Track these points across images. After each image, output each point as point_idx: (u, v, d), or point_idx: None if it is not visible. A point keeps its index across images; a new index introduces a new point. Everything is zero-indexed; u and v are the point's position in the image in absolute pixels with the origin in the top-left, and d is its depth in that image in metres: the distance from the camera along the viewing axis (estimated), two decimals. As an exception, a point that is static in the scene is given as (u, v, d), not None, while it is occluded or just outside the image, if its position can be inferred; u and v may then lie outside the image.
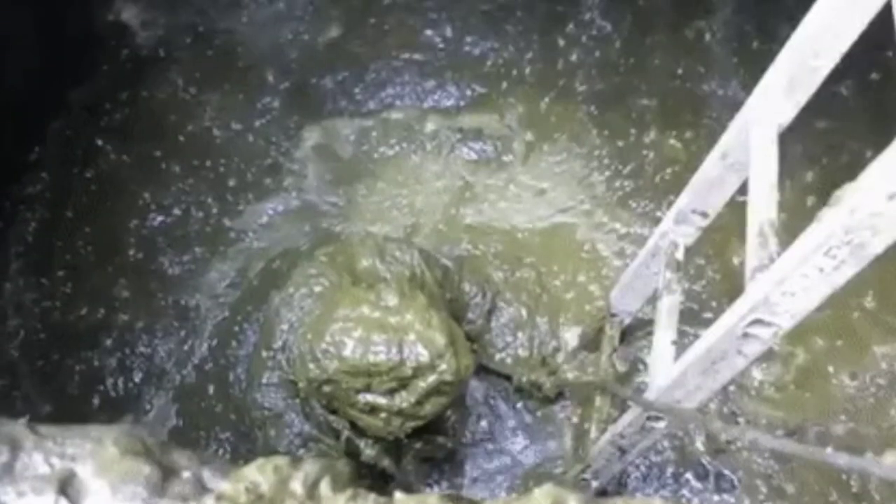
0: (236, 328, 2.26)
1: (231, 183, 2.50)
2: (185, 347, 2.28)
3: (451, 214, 2.45)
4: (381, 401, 1.66)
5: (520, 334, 2.24)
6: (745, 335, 1.20)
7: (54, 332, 2.31)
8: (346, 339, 1.65)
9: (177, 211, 2.45)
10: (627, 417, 1.58)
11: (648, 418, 1.51)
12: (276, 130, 2.59)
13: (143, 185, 2.48)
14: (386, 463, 1.85)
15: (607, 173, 2.53)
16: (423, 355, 1.62)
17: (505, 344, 2.22)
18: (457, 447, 2.03)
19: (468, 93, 2.66)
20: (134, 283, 2.35)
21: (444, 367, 1.63)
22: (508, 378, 2.17)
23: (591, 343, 2.25)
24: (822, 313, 2.32)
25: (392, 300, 1.69)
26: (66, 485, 0.81)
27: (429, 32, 2.73)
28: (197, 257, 2.38)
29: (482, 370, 2.16)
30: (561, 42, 2.73)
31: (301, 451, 1.86)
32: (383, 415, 1.68)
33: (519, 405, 2.17)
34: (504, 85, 2.66)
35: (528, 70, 2.68)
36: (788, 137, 1.37)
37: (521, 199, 2.48)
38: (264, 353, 1.97)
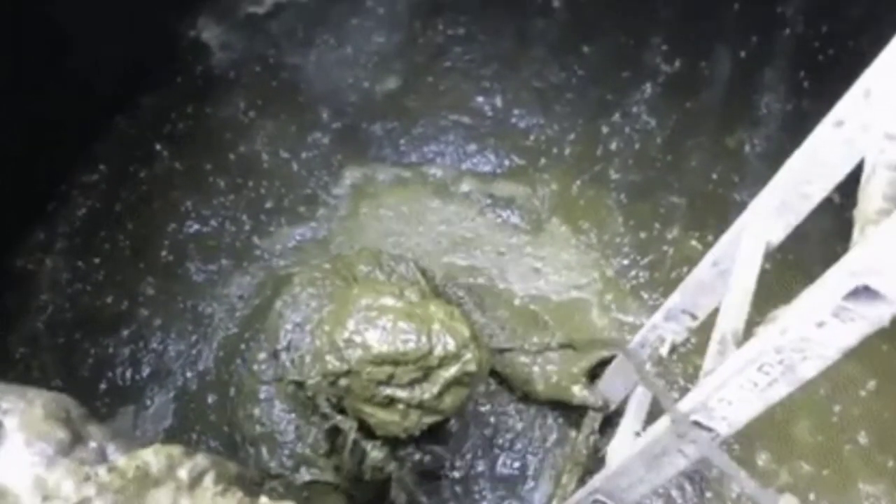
0: (242, 345, 2.40)
1: (268, 205, 2.68)
2: (194, 352, 2.43)
3: (462, 265, 2.56)
4: (402, 393, 1.65)
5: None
6: (685, 436, 1.26)
7: (80, 313, 2.48)
8: (372, 327, 1.65)
9: (213, 222, 2.63)
10: (578, 496, 1.63)
11: (594, 501, 1.57)
12: (319, 165, 2.77)
13: (188, 194, 2.68)
14: (392, 467, 1.84)
15: (625, 261, 2.62)
16: (451, 344, 1.62)
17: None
18: (454, 462, 2.05)
19: (506, 162, 2.79)
20: (160, 283, 2.52)
21: (468, 356, 1.63)
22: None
23: (574, 421, 2.30)
24: (814, 439, 2.41)
25: (413, 296, 1.73)
26: (-9, 430, 0.95)
27: (480, 99, 2.90)
28: (221, 268, 2.55)
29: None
30: (604, 129, 2.85)
31: (294, 475, 1.86)
32: (401, 407, 1.67)
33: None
34: (542, 161, 2.79)
35: (567, 150, 2.81)
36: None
37: (535, 266, 2.58)
38: (260, 360, 1.95)
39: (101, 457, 0.99)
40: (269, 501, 0.95)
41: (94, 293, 2.51)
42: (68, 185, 2.70)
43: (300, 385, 1.82)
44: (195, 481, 0.96)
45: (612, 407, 2.26)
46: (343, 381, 1.68)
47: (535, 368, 2.27)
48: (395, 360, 1.63)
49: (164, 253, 2.57)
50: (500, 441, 2.31)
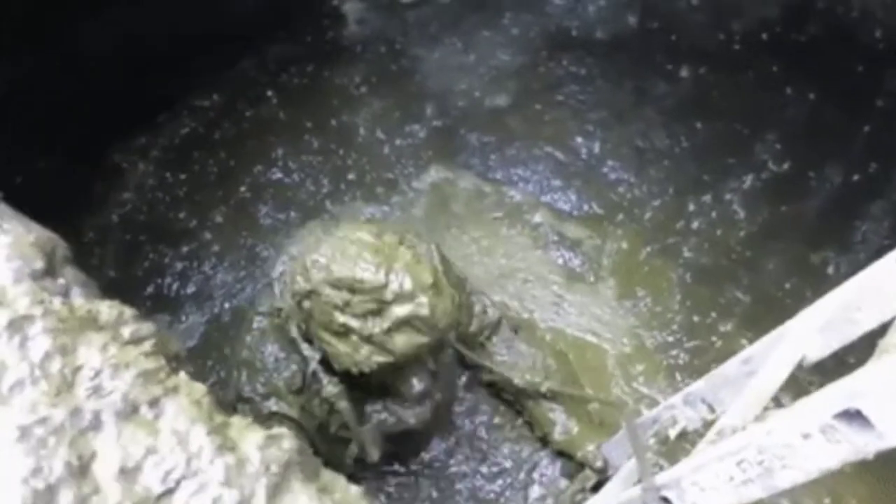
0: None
1: (350, 176, 2.79)
2: (238, 286, 2.56)
3: (508, 290, 2.61)
4: (355, 323, 1.72)
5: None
6: (652, 507, 1.27)
7: (152, 219, 2.66)
8: (339, 254, 1.74)
9: (296, 176, 2.77)
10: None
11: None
12: (409, 155, 2.87)
13: (282, 143, 2.84)
14: (343, 406, 1.92)
15: (669, 338, 2.60)
16: (407, 283, 1.69)
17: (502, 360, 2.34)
18: (419, 430, 2.08)
19: (585, 207, 2.82)
20: (230, 214, 2.67)
21: (422, 300, 1.70)
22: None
23: (567, 472, 2.31)
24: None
25: (391, 238, 1.81)
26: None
27: (579, 140, 2.94)
28: (289, 219, 2.68)
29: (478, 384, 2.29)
30: (691, 206, 2.85)
31: (262, 404, 1.97)
32: (354, 338, 1.75)
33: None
34: (620, 216, 2.81)
35: (648, 215, 2.82)
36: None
37: (580, 315, 2.60)
38: (259, 291, 2.10)
39: (64, 294, 1.10)
40: (186, 377, 1.04)
41: (171, 205, 2.69)
42: (181, 104, 2.90)
43: (280, 313, 1.94)
44: (133, 341, 1.05)
45: (610, 472, 2.25)
46: (306, 304, 1.78)
47: (560, 416, 2.31)
48: (352, 287, 1.71)
49: (243, 189, 2.72)
50: (485, 470, 2.33)
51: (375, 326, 1.72)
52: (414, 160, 2.87)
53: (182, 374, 1.07)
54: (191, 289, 2.53)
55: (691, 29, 3.11)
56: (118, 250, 2.59)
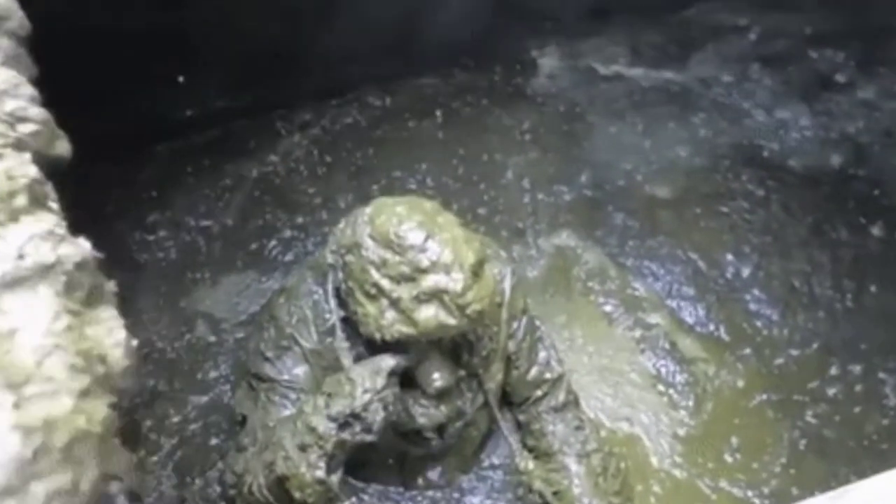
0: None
1: (481, 210, 2.81)
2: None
3: (591, 384, 2.44)
4: (387, 284, 1.69)
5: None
6: None
7: (284, 184, 2.80)
8: (388, 209, 1.75)
9: (430, 192, 2.81)
10: None
11: None
12: (547, 211, 2.84)
13: (430, 160, 2.91)
14: (346, 364, 1.89)
15: (755, 500, 2.29)
16: (447, 255, 1.67)
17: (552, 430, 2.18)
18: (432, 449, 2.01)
19: (711, 328, 2.61)
20: (353, 204, 2.67)
21: (457, 276, 1.66)
22: None
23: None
24: None
25: (451, 218, 1.79)
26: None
27: (729, 257, 2.76)
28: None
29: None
30: (834, 370, 2.55)
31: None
32: (384, 301, 1.71)
33: None
34: (746, 350, 2.56)
35: (779, 361, 2.55)
36: None
37: (658, 431, 2.38)
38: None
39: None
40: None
41: (305, 179, 2.82)
42: (353, 96, 3.07)
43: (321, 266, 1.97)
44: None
45: None
46: (349, 258, 1.78)
47: None
48: (390, 243, 1.69)
49: (375, 186, 2.80)
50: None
51: (405, 292, 1.68)
52: (550, 218, 2.82)
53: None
54: (288, 257, 2.60)
55: (900, 189, 2.85)
56: (243, 202, 2.74)
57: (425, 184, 2.83)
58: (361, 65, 3.02)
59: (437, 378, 1.86)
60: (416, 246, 1.68)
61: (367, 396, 1.76)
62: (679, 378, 2.50)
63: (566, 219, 2.82)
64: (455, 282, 1.67)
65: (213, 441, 2.27)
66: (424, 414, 1.94)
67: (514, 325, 2.15)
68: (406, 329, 1.71)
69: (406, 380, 1.87)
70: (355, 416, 1.76)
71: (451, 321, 1.69)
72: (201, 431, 2.29)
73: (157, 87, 2.66)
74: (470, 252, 1.72)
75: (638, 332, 2.59)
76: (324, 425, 1.75)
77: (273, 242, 2.64)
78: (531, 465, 2.16)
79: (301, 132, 2.94)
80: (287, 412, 1.96)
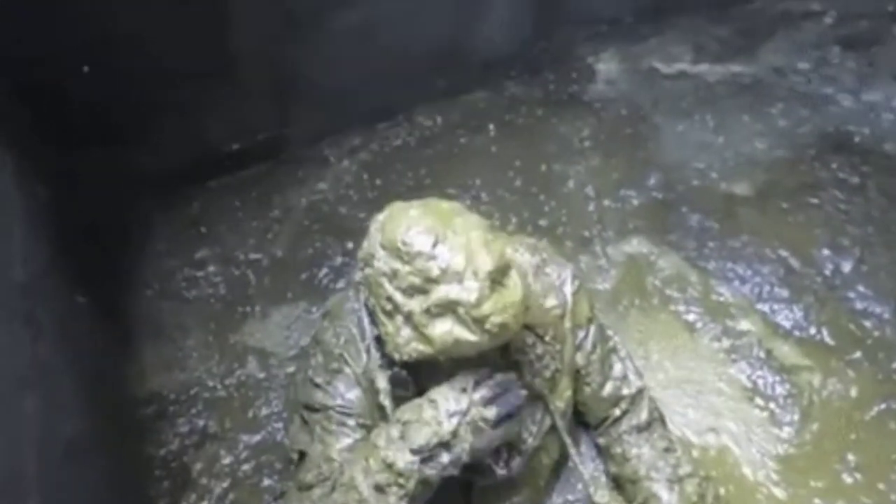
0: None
1: (542, 222, 2.62)
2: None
3: (672, 399, 2.18)
4: (399, 297, 1.51)
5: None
6: None
7: (334, 211, 2.67)
8: (400, 213, 1.56)
9: (486, 208, 2.64)
10: None
11: None
12: (615, 218, 2.62)
13: (484, 175, 2.74)
14: (382, 386, 1.72)
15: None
16: (457, 262, 1.46)
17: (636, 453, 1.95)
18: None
19: (812, 331, 2.32)
20: None
21: (471, 284, 1.44)
22: None
23: None
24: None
25: (475, 220, 1.56)
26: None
27: (825, 252, 2.47)
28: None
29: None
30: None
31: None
32: (399, 317, 1.53)
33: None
34: (857, 355, 2.27)
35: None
36: None
37: (759, 451, 2.10)
38: None
39: None
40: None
41: (356, 204, 2.69)
42: (404, 117, 2.93)
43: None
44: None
45: None
46: (367, 270, 1.60)
47: None
48: (398, 252, 1.50)
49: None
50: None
51: (416, 305, 1.50)
52: (618, 226, 2.60)
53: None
54: (340, 284, 2.48)
55: None
56: (292, 232, 2.63)
57: (480, 199, 2.66)
58: (409, 86, 2.91)
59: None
60: (425, 253, 1.48)
61: (455, 421, 1.57)
62: (779, 390, 2.22)
63: (636, 224, 2.59)
64: (469, 291, 1.46)
65: (266, 482, 2.13)
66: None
67: (581, 334, 1.93)
68: (422, 347, 1.53)
69: None
70: (442, 444, 1.57)
71: (470, 337, 1.49)
72: (253, 472, 2.14)
73: (203, 121, 2.63)
74: (488, 257, 1.49)
75: (727, 342, 2.32)
76: (404, 460, 1.57)
77: (324, 271, 2.52)
78: (607, 497, 1.92)
79: (350, 157, 2.83)
80: (348, 440, 1.79)
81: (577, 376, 1.95)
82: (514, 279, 1.54)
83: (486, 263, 1.48)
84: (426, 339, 1.51)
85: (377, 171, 2.78)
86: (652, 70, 3.09)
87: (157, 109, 2.48)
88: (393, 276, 1.52)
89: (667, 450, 1.95)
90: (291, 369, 2.28)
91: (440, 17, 2.79)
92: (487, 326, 1.48)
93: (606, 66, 3.12)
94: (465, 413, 1.57)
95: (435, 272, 1.47)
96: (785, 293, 2.39)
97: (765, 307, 2.38)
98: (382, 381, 1.73)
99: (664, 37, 3.20)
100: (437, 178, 2.74)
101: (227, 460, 2.16)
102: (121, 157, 2.52)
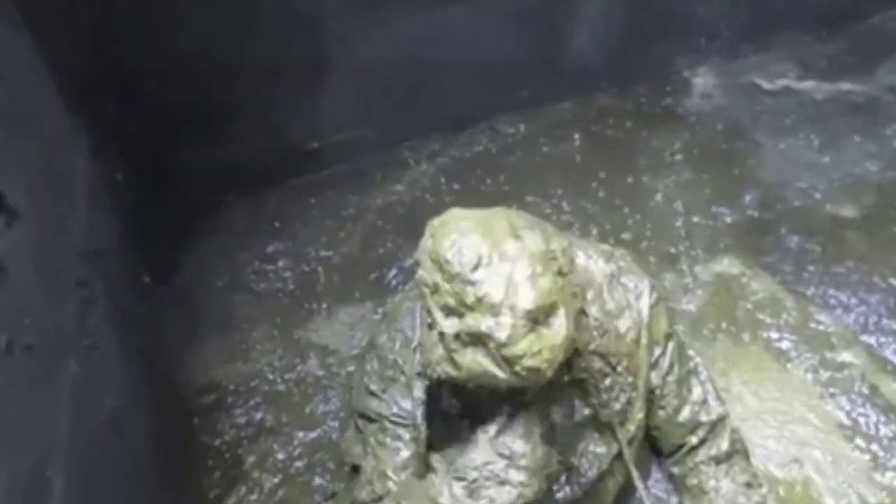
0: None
1: (625, 235, 2.47)
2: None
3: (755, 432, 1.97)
4: (436, 314, 1.38)
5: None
6: None
7: (408, 213, 2.60)
8: (453, 224, 1.41)
9: (566, 217, 2.53)
10: None
11: None
12: (705, 236, 2.45)
13: (566, 185, 2.63)
14: (417, 395, 1.64)
15: None
16: (495, 293, 1.30)
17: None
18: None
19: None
20: None
21: (504, 321, 1.29)
22: None
23: None
24: None
25: (538, 242, 1.38)
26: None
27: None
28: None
29: None
30: None
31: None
32: (434, 334, 1.40)
33: None
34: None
35: None
36: None
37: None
38: None
39: None
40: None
41: (432, 207, 2.57)
42: (486, 125, 2.85)
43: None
44: None
45: None
46: (419, 273, 1.47)
47: None
48: (441, 267, 1.36)
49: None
50: None
51: (449, 327, 1.36)
52: (708, 244, 2.42)
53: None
54: (409, 286, 2.35)
55: None
56: (365, 231, 2.58)
57: (561, 208, 2.54)
58: (493, 94, 2.84)
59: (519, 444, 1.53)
60: (464, 275, 1.34)
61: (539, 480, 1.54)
62: (884, 431, 1.98)
63: (727, 243, 2.41)
64: (501, 328, 1.30)
65: (318, 481, 2.04)
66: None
67: (657, 352, 1.77)
68: (451, 371, 1.40)
69: None
70: None
71: (498, 373, 1.35)
72: (306, 470, 2.07)
73: (285, 119, 2.62)
74: (530, 292, 1.32)
75: (824, 374, 2.10)
76: None
77: (393, 271, 2.45)
78: None
79: (429, 161, 2.77)
80: (403, 455, 1.69)
81: (651, 397, 1.78)
82: (560, 320, 1.37)
83: (526, 300, 1.32)
84: (455, 363, 1.39)
85: (455, 175, 2.71)
86: (752, 85, 2.91)
87: (240, 105, 2.50)
88: (434, 289, 1.40)
89: (748, 485, 1.76)
90: (352, 368, 2.21)
91: (529, 25, 2.70)
92: (517, 368, 1.33)
93: (703, 79, 2.95)
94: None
95: (470, 298, 1.33)
96: (894, 325, 2.15)
97: (871, 339, 2.14)
98: (419, 391, 1.63)
99: (766, 53, 3.01)
100: (517, 185, 2.64)
101: (280, 455, 2.09)
102: (203, 150, 2.54)
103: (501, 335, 1.30)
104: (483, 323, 1.31)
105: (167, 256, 2.28)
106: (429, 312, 1.42)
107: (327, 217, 2.62)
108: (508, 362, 1.33)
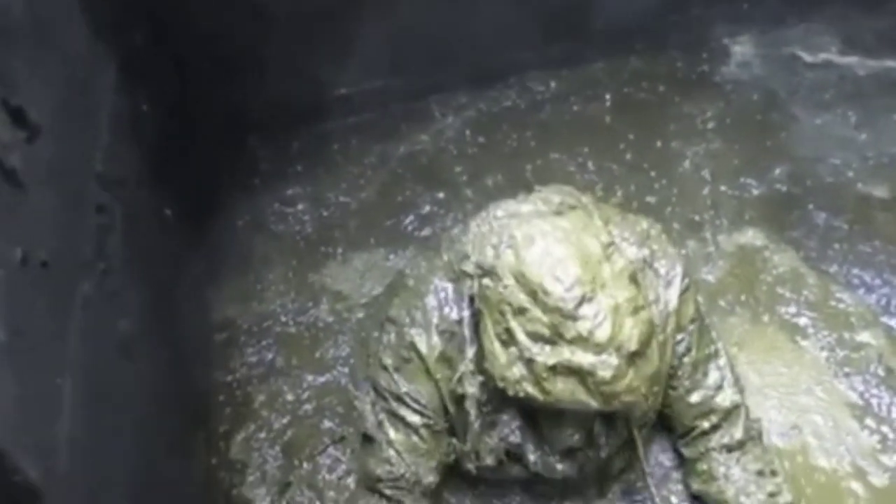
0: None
1: (649, 198, 2.43)
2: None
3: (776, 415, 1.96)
4: (522, 337, 1.35)
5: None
6: None
7: (431, 162, 2.58)
8: (540, 245, 1.37)
9: (590, 177, 2.49)
10: None
11: None
12: (731, 206, 2.40)
13: (592, 144, 2.58)
14: (471, 391, 1.58)
15: None
16: (601, 333, 1.30)
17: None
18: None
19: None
20: (501, 184, 2.50)
21: (610, 361, 1.30)
22: None
23: None
24: None
25: (621, 264, 1.39)
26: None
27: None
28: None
29: None
30: None
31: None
32: (514, 351, 1.38)
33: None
34: None
35: None
36: None
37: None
38: None
39: None
40: None
41: (454, 158, 2.59)
42: (515, 80, 2.79)
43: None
44: None
45: None
46: (486, 281, 1.43)
47: None
48: (535, 294, 1.33)
49: (529, 167, 2.52)
50: None
51: (541, 356, 1.33)
52: (733, 214, 2.38)
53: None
54: (424, 232, 2.40)
55: None
56: (385, 178, 2.57)
57: (586, 167, 2.50)
58: (526, 50, 2.78)
59: (567, 438, 1.52)
60: (567, 311, 1.32)
61: None
62: (893, 414, 1.94)
63: (753, 215, 2.37)
64: (605, 368, 1.30)
65: (326, 424, 2.07)
66: (541, 464, 1.60)
67: (679, 337, 1.73)
68: (534, 393, 1.37)
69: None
70: None
71: (593, 404, 1.34)
72: (314, 413, 2.09)
73: (314, 63, 2.59)
74: (635, 330, 1.33)
75: (840, 353, 2.08)
76: None
77: (410, 218, 2.44)
78: None
79: (455, 114, 2.73)
80: (412, 440, 1.69)
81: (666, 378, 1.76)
82: (654, 351, 1.39)
83: (631, 342, 1.32)
84: (542, 389, 1.36)
85: (481, 129, 2.67)
86: (793, 57, 2.81)
87: (270, 46, 2.47)
88: (519, 312, 1.36)
89: (760, 473, 1.75)
90: (361, 315, 2.22)
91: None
92: (616, 403, 1.35)
93: (742, 48, 2.86)
94: None
95: (571, 333, 1.32)
96: (918, 309, 2.11)
97: (892, 321, 2.11)
98: (472, 387, 1.57)
99: (810, 24, 2.90)
100: (543, 142, 2.60)
101: (289, 396, 2.12)
102: (229, 89, 2.52)
103: (606, 374, 1.30)
104: (585, 360, 1.31)
105: (189, 192, 2.28)
106: (507, 332, 1.39)
107: (350, 164, 2.61)
108: (605, 398, 1.33)
